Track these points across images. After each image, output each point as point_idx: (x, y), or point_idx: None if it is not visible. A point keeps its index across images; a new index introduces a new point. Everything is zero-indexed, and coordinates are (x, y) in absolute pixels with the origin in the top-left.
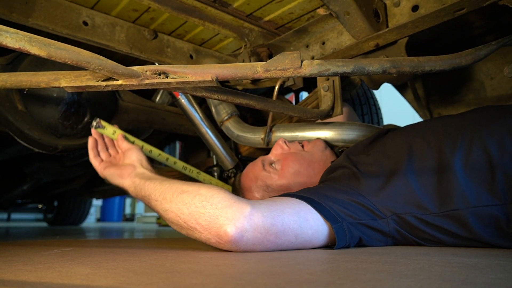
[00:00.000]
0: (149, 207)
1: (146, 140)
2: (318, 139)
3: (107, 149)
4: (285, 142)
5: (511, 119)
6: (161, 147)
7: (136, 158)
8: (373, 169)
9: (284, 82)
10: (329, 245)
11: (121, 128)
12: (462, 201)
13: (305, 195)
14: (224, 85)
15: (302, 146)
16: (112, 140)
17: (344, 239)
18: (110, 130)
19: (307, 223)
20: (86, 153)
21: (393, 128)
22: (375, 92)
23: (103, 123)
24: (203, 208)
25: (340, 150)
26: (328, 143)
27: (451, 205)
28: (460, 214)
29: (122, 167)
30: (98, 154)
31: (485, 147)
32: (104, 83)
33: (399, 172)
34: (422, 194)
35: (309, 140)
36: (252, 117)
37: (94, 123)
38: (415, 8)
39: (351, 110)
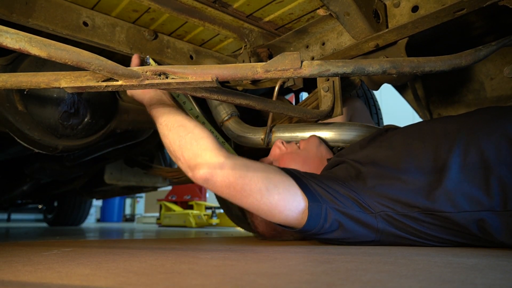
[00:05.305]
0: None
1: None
2: (313, 136)
3: None
4: (282, 142)
5: (506, 123)
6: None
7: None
8: (367, 168)
9: (284, 82)
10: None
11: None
12: (452, 205)
13: (295, 173)
14: (224, 86)
15: (298, 146)
16: None
17: (317, 221)
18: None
19: (276, 189)
20: (86, 154)
21: (392, 128)
22: (375, 92)
23: (151, 60)
24: (190, 145)
25: (339, 149)
26: (324, 142)
27: (441, 207)
28: (449, 216)
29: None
30: None
31: (482, 151)
32: (104, 84)
33: (392, 171)
34: (413, 194)
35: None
36: (252, 118)
37: (147, 61)
38: (415, 9)
39: (363, 107)
